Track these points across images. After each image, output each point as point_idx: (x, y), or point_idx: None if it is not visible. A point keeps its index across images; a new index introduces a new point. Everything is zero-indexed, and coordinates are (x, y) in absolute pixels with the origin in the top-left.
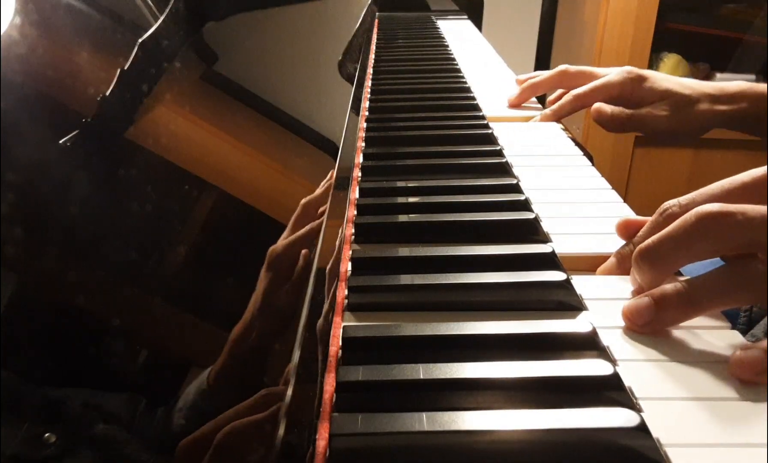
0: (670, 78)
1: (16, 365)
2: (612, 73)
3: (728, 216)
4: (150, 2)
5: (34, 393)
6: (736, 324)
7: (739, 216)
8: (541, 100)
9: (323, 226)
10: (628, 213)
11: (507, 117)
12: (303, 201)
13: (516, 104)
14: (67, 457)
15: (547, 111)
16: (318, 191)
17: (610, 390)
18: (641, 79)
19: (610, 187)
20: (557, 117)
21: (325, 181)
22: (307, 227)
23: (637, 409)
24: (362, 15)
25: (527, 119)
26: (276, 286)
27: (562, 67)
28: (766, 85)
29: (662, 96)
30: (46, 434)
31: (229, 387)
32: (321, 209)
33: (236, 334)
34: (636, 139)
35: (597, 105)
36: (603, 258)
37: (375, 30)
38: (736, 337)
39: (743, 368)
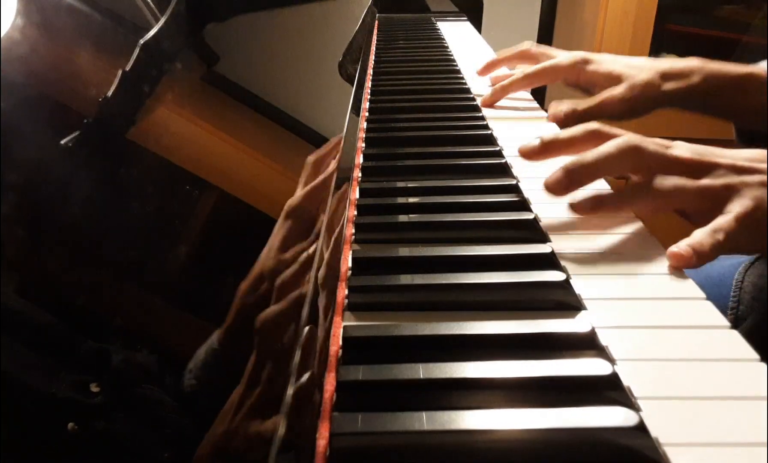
0: (616, 59)
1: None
2: (561, 56)
3: (641, 147)
4: (151, 3)
5: (82, 343)
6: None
7: (649, 147)
8: (539, 96)
9: (323, 227)
10: (627, 213)
11: (504, 117)
12: (309, 158)
13: (489, 104)
14: (109, 409)
15: (497, 87)
16: (322, 150)
17: (608, 389)
18: (585, 61)
19: (609, 187)
20: (505, 94)
21: (332, 141)
22: (320, 178)
23: (636, 408)
24: (362, 16)
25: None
26: (291, 238)
27: (525, 45)
28: (717, 63)
29: (607, 78)
30: (92, 384)
31: (240, 343)
32: (332, 161)
33: (245, 286)
34: None
35: (551, 110)
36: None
37: (375, 31)
38: (734, 337)
39: (676, 258)
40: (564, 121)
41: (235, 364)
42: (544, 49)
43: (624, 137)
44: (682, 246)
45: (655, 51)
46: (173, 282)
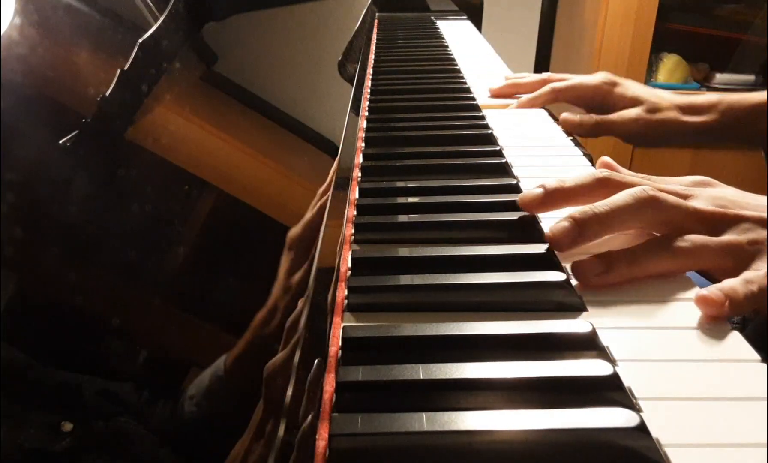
0: (641, 87)
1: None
2: (589, 77)
3: (659, 199)
4: (150, 2)
5: (52, 377)
6: (731, 324)
7: (668, 200)
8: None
9: (323, 226)
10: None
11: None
12: (320, 190)
13: (496, 94)
14: (83, 449)
15: (524, 99)
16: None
17: (609, 390)
18: (614, 84)
19: None
20: (532, 105)
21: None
22: (318, 205)
23: (637, 409)
24: (362, 15)
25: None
26: (295, 267)
27: (546, 74)
28: (736, 95)
29: (632, 102)
30: (63, 423)
31: (247, 373)
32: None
33: (259, 318)
34: None
35: (563, 116)
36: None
37: (375, 30)
38: (735, 337)
39: (707, 304)
40: (577, 130)
41: (240, 394)
42: (565, 76)
43: (639, 187)
44: (713, 290)
45: (656, 50)
46: (172, 283)
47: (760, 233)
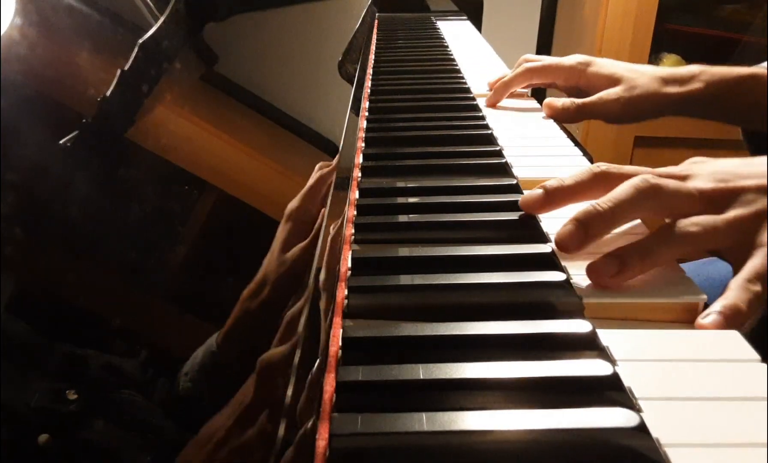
0: (616, 63)
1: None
2: (564, 58)
3: (661, 186)
4: (150, 3)
5: (59, 349)
6: None
7: (669, 186)
8: (540, 98)
9: (323, 227)
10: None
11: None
12: (319, 164)
13: (493, 104)
14: (86, 416)
15: (499, 83)
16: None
17: (609, 390)
18: (588, 64)
19: None
20: (507, 88)
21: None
22: (316, 176)
23: (637, 409)
24: (362, 15)
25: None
26: (292, 240)
27: (523, 57)
28: (718, 67)
29: (608, 79)
30: (68, 391)
31: (239, 348)
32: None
33: (248, 291)
34: (636, 140)
35: (547, 101)
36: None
37: (375, 30)
38: (735, 337)
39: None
40: (560, 114)
41: (233, 368)
42: (542, 56)
43: (639, 177)
44: (712, 317)
45: (656, 51)
46: (172, 283)
47: (763, 202)
